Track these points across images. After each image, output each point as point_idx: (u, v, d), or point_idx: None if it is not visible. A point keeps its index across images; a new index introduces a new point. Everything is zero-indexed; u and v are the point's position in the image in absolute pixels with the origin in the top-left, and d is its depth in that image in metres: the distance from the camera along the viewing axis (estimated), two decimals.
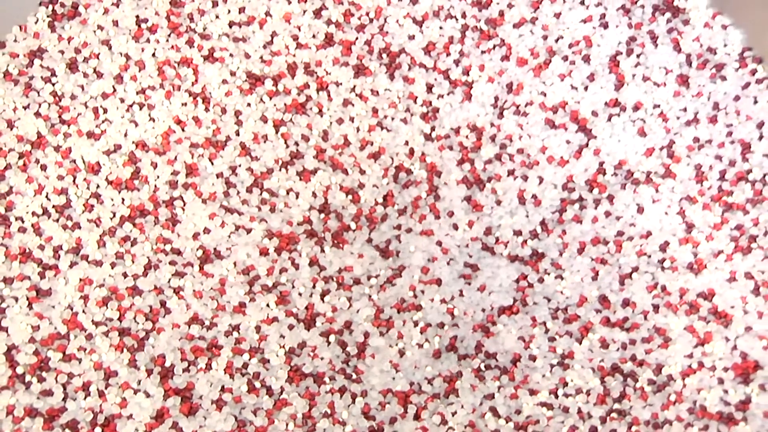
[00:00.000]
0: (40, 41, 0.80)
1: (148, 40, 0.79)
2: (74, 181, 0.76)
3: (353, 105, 0.77)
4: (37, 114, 0.78)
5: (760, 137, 0.77)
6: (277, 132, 0.76)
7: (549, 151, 0.76)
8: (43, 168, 0.76)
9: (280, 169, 0.76)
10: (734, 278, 0.73)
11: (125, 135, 0.77)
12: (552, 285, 0.72)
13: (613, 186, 0.75)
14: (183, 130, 0.77)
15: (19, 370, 0.70)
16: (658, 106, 0.78)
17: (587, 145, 0.76)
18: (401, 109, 0.77)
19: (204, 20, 0.80)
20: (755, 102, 0.78)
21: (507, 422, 0.68)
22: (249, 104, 0.77)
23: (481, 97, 0.77)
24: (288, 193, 0.75)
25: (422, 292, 0.72)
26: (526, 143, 0.76)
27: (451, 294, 0.72)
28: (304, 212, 0.74)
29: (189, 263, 0.73)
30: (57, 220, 0.75)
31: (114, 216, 0.75)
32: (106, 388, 0.70)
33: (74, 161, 0.76)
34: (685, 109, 0.78)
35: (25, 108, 0.78)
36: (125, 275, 0.73)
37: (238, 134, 0.76)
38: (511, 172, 0.75)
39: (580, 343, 0.70)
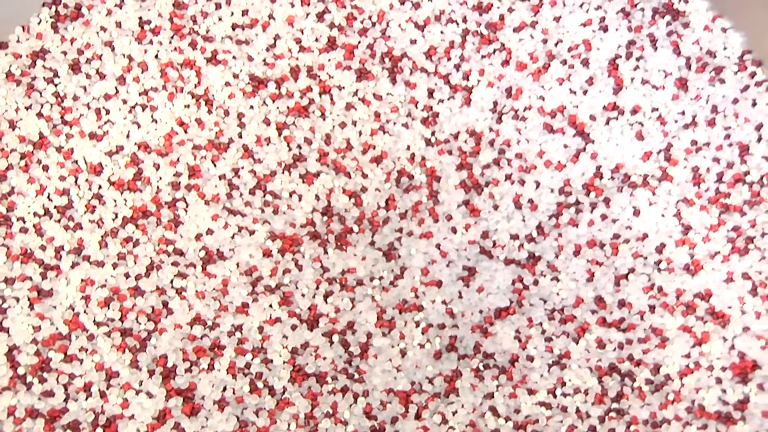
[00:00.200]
0: (42, 42, 0.80)
1: (150, 42, 0.80)
2: (76, 181, 0.76)
3: (356, 109, 0.77)
4: (40, 115, 0.78)
5: (759, 139, 0.78)
6: (279, 135, 0.77)
7: (546, 156, 0.77)
8: (45, 168, 0.76)
9: (283, 172, 0.76)
10: (731, 279, 0.73)
11: (127, 136, 0.77)
12: (548, 286, 0.73)
13: (609, 189, 0.76)
14: (185, 131, 0.77)
15: (21, 370, 0.70)
16: (657, 109, 0.79)
17: (584, 149, 0.77)
18: (402, 113, 0.77)
19: (207, 22, 0.80)
20: (754, 105, 0.79)
21: (506, 421, 0.68)
22: (252, 107, 0.78)
23: (480, 102, 0.78)
24: (291, 196, 0.75)
25: (423, 293, 0.72)
26: (524, 148, 0.77)
27: (450, 295, 0.72)
28: (307, 214, 0.75)
29: (192, 264, 0.73)
30: (59, 221, 0.75)
31: (116, 217, 0.75)
32: (107, 388, 0.70)
33: (76, 162, 0.76)
34: (683, 113, 0.78)
35: (27, 108, 0.78)
36: (127, 276, 0.73)
37: (240, 136, 0.77)
38: (508, 177, 0.76)
39: (577, 343, 0.71)
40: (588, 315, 0.72)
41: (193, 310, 0.72)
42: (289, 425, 0.69)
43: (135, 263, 0.73)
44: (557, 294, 0.72)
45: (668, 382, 0.70)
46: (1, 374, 0.70)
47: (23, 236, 0.74)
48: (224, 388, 0.70)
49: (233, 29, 0.80)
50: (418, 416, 0.69)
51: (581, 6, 0.81)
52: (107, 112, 0.78)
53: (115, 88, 0.78)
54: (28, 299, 0.72)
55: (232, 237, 0.74)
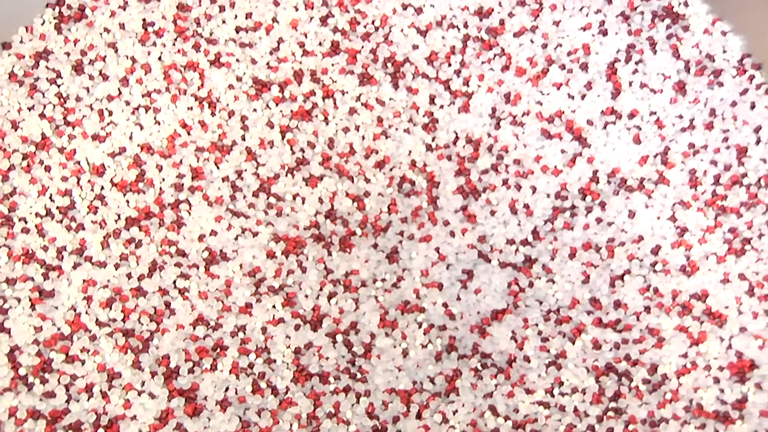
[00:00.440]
0: (46, 43, 0.80)
1: (154, 44, 0.80)
2: (78, 182, 0.76)
3: (358, 113, 0.78)
4: (42, 115, 0.78)
5: (758, 141, 0.79)
6: (283, 138, 0.77)
7: (543, 161, 0.77)
8: (47, 169, 0.76)
9: (286, 175, 0.76)
10: (728, 279, 0.74)
11: (130, 138, 0.77)
12: (543, 288, 0.73)
13: (605, 193, 0.77)
14: (189, 133, 0.77)
15: (22, 371, 0.70)
16: (655, 113, 0.79)
17: (581, 153, 0.78)
18: (404, 119, 0.78)
19: (211, 25, 0.80)
20: (752, 107, 0.80)
21: (506, 421, 0.69)
22: (255, 110, 0.78)
23: (479, 107, 0.78)
24: (294, 199, 0.76)
25: (425, 295, 0.73)
26: (521, 153, 0.78)
27: (450, 297, 0.73)
28: (310, 217, 0.75)
29: (194, 265, 0.74)
30: (60, 221, 0.75)
31: (119, 218, 0.75)
32: (109, 389, 0.70)
33: (78, 163, 0.76)
34: (680, 116, 0.79)
35: (29, 109, 0.78)
36: (129, 276, 0.73)
37: (244, 139, 0.77)
38: (505, 182, 0.76)
39: (573, 344, 0.72)
40: (584, 316, 0.72)
41: (195, 311, 0.72)
42: (291, 425, 0.69)
43: (137, 264, 0.73)
44: (553, 295, 0.73)
45: (665, 382, 0.71)
46: (2, 375, 0.70)
47: (25, 237, 0.74)
48: (226, 389, 0.70)
49: (237, 32, 0.80)
50: (419, 416, 0.69)
51: (581, 10, 0.82)
52: (110, 113, 0.78)
53: (118, 89, 0.78)
54: (30, 300, 0.72)
55: (236, 238, 0.74)
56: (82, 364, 0.71)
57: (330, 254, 0.74)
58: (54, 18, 0.81)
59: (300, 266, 0.73)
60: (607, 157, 0.77)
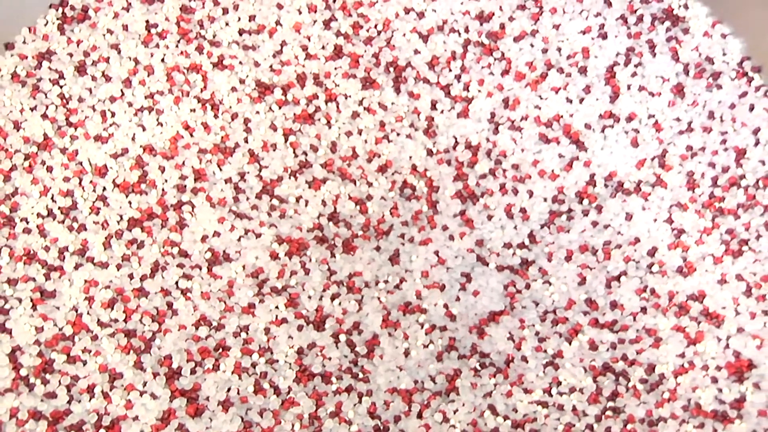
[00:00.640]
0: (49, 43, 0.80)
1: (157, 46, 0.80)
2: (80, 183, 0.76)
3: (361, 117, 0.78)
4: (44, 116, 0.78)
5: (756, 143, 0.79)
6: (286, 141, 0.78)
7: (541, 165, 0.78)
8: (49, 170, 0.76)
9: (289, 177, 0.77)
10: (725, 280, 0.75)
11: (133, 139, 0.77)
12: (540, 290, 0.74)
13: (602, 197, 0.77)
14: (191, 135, 0.78)
15: (23, 372, 0.70)
16: (653, 116, 0.80)
17: (578, 157, 0.78)
18: (406, 123, 0.78)
19: (214, 27, 0.81)
20: (751, 109, 0.80)
21: (505, 420, 0.70)
22: (258, 112, 0.78)
23: (478, 112, 0.79)
24: (297, 201, 0.76)
25: (426, 296, 0.73)
26: (519, 158, 0.78)
27: (450, 299, 0.73)
28: (313, 219, 0.76)
29: (197, 266, 0.74)
30: (62, 222, 0.75)
31: (121, 219, 0.75)
32: (111, 390, 0.70)
33: (80, 164, 0.77)
34: (678, 119, 0.80)
35: (32, 110, 0.78)
36: (131, 277, 0.73)
37: (246, 141, 0.77)
38: (502, 186, 0.77)
39: (570, 344, 0.72)
40: (580, 316, 0.73)
41: (198, 311, 0.72)
42: (293, 425, 0.69)
43: (139, 265, 0.74)
44: (549, 296, 0.74)
45: (663, 382, 0.71)
46: (3, 376, 0.70)
47: (26, 237, 0.74)
48: (228, 389, 0.70)
49: (240, 34, 0.81)
50: (419, 415, 0.70)
51: (581, 13, 0.83)
52: (113, 114, 0.78)
53: (121, 90, 0.79)
54: (31, 300, 0.72)
55: (239, 239, 0.75)
56: (84, 364, 0.71)
57: (333, 256, 0.74)
58: (57, 19, 0.81)
59: (303, 267, 0.74)
60: (605, 161, 0.78)
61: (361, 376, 0.71)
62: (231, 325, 0.72)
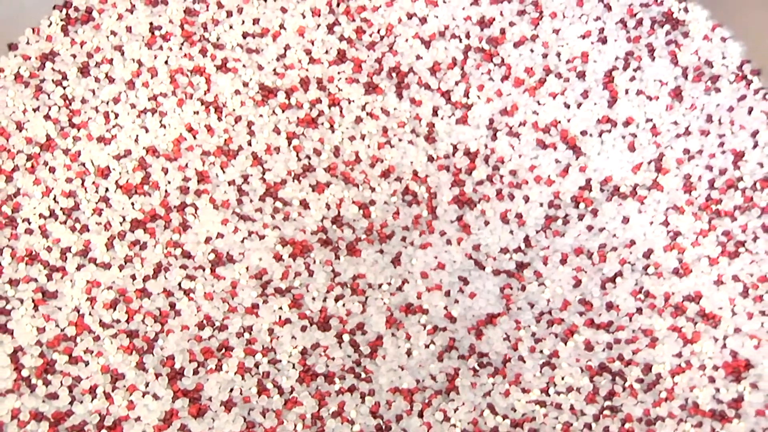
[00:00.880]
0: (52, 44, 0.80)
1: (161, 48, 0.81)
2: (83, 184, 0.76)
3: (364, 123, 0.79)
4: (47, 117, 0.78)
5: (755, 145, 0.79)
6: (289, 144, 0.78)
7: (538, 170, 0.78)
8: (52, 170, 0.76)
9: (293, 180, 0.77)
10: (721, 281, 0.75)
11: (136, 140, 0.78)
12: (536, 292, 0.74)
13: (598, 201, 0.78)
14: (194, 137, 0.78)
15: (25, 372, 0.70)
16: (651, 120, 0.80)
17: (575, 162, 0.79)
18: (407, 129, 0.79)
19: (218, 30, 0.81)
20: (749, 112, 0.80)
21: (504, 419, 0.70)
22: (261, 115, 0.79)
23: (477, 118, 0.79)
24: (301, 204, 0.76)
25: (427, 298, 0.74)
26: (516, 163, 0.78)
27: (449, 301, 0.74)
28: (317, 222, 0.76)
29: (200, 266, 0.74)
30: (64, 223, 0.75)
31: (124, 220, 0.75)
32: (113, 390, 0.70)
33: (83, 165, 0.77)
34: (676, 123, 0.79)
35: (34, 110, 0.78)
36: (134, 278, 0.73)
37: (250, 144, 0.78)
38: (498, 192, 0.77)
39: (566, 344, 0.73)
40: (576, 317, 0.74)
41: (201, 312, 0.73)
42: (295, 426, 0.70)
43: (142, 266, 0.74)
44: (545, 298, 0.74)
45: (660, 381, 0.72)
46: (5, 376, 0.70)
47: (28, 237, 0.74)
48: (231, 389, 0.70)
49: (244, 38, 0.81)
50: (420, 414, 0.71)
51: (580, 17, 0.83)
52: (116, 116, 0.78)
53: (124, 92, 0.79)
54: (33, 301, 0.72)
55: (242, 241, 0.75)
56: (86, 365, 0.71)
57: (338, 258, 0.75)
58: (61, 20, 0.81)
59: (307, 269, 0.74)
60: (601, 165, 0.78)
61: (363, 376, 0.71)
62: (234, 326, 0.72)
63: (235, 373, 0.71)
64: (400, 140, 0.79)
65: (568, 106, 0.80)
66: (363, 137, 0.78)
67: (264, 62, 0.80)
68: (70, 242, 0.74)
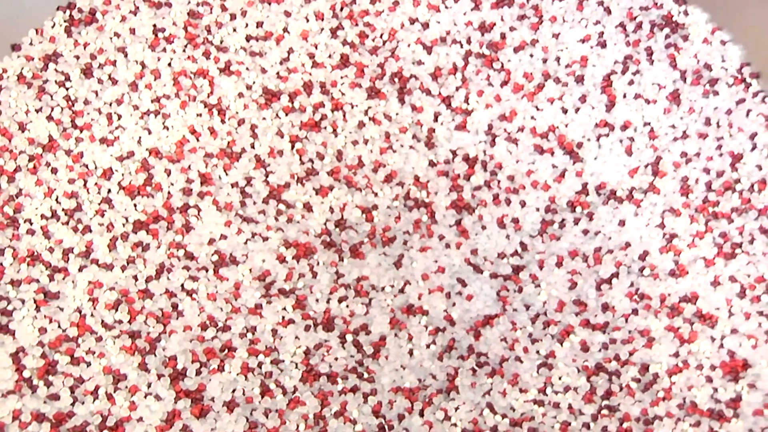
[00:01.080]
0: (55, 45, 0.80)
1: (164, 50, 0.81)
2: (85, 185, 0.76)
3: (367, 127, 0.79)
4: (50, 118, 0.78)
5: (753, 147, 0.79)
6: (292, 148, 0.78)
7: (535, 176, 0.79)
8: (54, 171, 0.76)
9: (296, 183, 0.77)
10: (718, 282, 0.75)
11: (139, 142, 0.78)
12: (532, 294, 0.75)
13: (594, 204, 0.78)
14: (197, 140, 0.78)
15: (26, 373, 0.70)
16: (648, 123, 0.80)
17: (572, 167, 0.79)
18: (409, 135, 0.79)
19: (221, 33, 0.81)
20: (747, 114, 0.80)
21: (503, 418, 0.71)
22: (264, 118, 0.79)
23: (477, 124, 0.80)
24: (305, 207, 0.77)
25: (427, 300, 0.75)
26: (514, 168, 0.79)
27: (448, 303, 0.75)
28: (321, 225, 0.76)
29: (203, 268, 0.74)
30: (66, 223, 0.75)
31: (126, 221, 0.75)
32: (115, 391, 0.70)
33: (86, 166, 0.77)
34: (673, 126, 0.79)
35: (37, 111, 0.78)
36: (136, 278, 0.73)
37: (253, 147, 0.78)
38: (495, 197, 0.78)
39: (562, 345, 0.73)
40: (572, 318, 0.74)
41: (204, 312, 0.73)
42: (298, 426, 0.70)
43: (145, 266, 0.74)
44: (540, 300, 0.75)
45: (657, 381, 0.72)
46: (6, 377, 0.70)
47: (30, 238, 0.74)
48: (234, 390, 0.71)
49: (247, 41, 0.81)
50: (421, 413, 0.71)
51: (580, 22, 0.83)
52: (119, 117, 0.78)
53: (127, 94, 0.79)
54: (35, 301, 0.72)
55: (245, 243, 0.75)
56: (88, 366, 0.71)
57: (341, 260, 0.75)
58: (64, 21, 0.81)
59: (311, 270, 0.75)
60: (597, 170, 0.79)
61: (366, 376, 0.72)
62: (237, 326, 0.73)
63: (237, 374, 0.71)
64: (402, 145, 0.79)
65: (565, 111, 0.80)
66: (366, 142, 0.79)
67: (267, 65, 0.81)
68: (73, 243, 0.74)
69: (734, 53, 0.82)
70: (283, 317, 0.73)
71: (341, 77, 0.80)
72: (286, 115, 0.79)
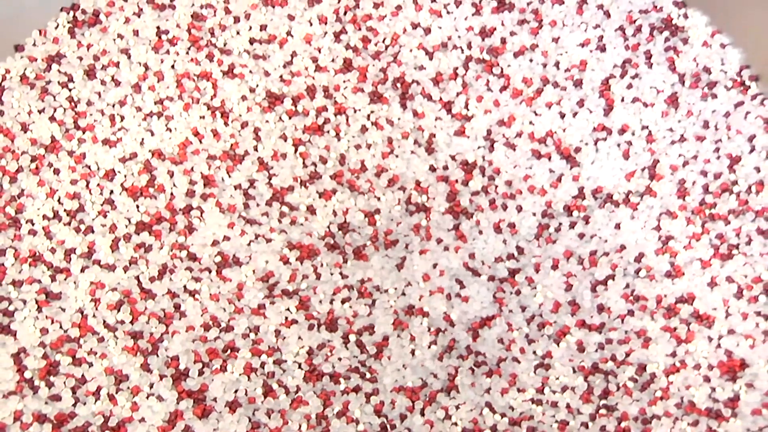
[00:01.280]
0: (59, 46, 0.80)
1: (167, 52, 0.81)
2: (87, 186, 0.76)
3: (369, 132, 0.80)
4: (52, 118, 0.78)
5: (752, 150, 0.79)
6: (296, 151, 0.79)
7: (532, 180, 0.79)
8: (56, 172, 0.76)
9: (300, 186, 0.78)
10: (715, 283, 0.75)
11: (141, 143, 0.78)
12: (528, 296, 0.76)
13: (591, 208, 0.78)
14: (200, 142, 0.78)
15: (28, 374, 0.70)
16: (646, 127, 0.80)
17: (569, 171, 0.79)
18: (411, 140, 0.80)
19: (225, 35, 0.82)
20: (746, 117, 0.80)
21: (502, 417, 0.72)
22: (267, 121, 0.79)
23: (476, 130, 0.80)
24: (308, 209, 0.77)
25: (428, 301, 0.75)
26: (511, 173, 0.79)
27: (448, 305, 0.75)
28: (324, 227, 0.77)
29: (206, 268, 0.75)
30: (68, 224, 0.75)
31: (129, 222, 0.75)
32: (116, 392, 0.70)
33: (88, 167, 0.77)
34: (671, 129, 0.80)
35: (40, 112, 0.78)
36: (139, 279, 0.74)
37: (256, 149, 0.78)
38: (492, 202, 0.78)
39: (558, 345, 0.74)
40: (567, 318, 0.75)
41: (207, 313, 0.73)
42: (300, 426, 0.70)
43: (147, 267, 0.74)
44: (536, 302, 0.75)
45: (654, 380, 0.73)
46: (7, 378, 0.70)
47: (32, 239, 0.74)
48: (236, 390, 0.71)
49: (251, 44, 0.82)
50: (423, 412, 0.72)
51: (580, 25, 0.83)
52: (121, 118, 0.79)
53: (131, 95, 0.79)
54: (36, 302, 0.72)
55: (248, 244, 0.76)
56: (90, 366, 0.71)
57: (345, 262, 0.76)
58: (68, 22, 0.81)
59: (315, 272, 0.75)
60: (594, 174, 0.79)
61: (368, 375, 0.72)
62: (240, 327, 0.73)
63: (240, 374, 0.71)
64: (404, 150, 0.79)
65: (563, 116, 0.81)
66: (369, 146, 0.79)
67: (271, 69, 0.81)
68: (75, 244, 0.74)
69: (734, 56, 0.82)
70: (287, 318, 0.74)
71: (344, 81, 0.81)
72: (290, 118, 0.80)
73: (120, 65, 0.80)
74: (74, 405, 0.70)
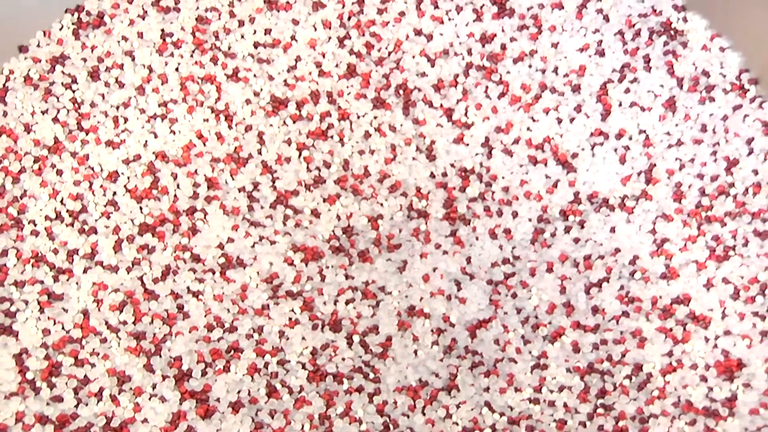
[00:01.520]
0: (63, 48, 0.80)
1: (172, 55, 0.81)
2: (90, 187, 0.76)
3: (372, 138, 0.80)
4: (55, 120, 0.78)
5: (750, 152, 0.79)
6: (299, 155, 0.79)
7: (528, 186, 0.79)
8: (59, 173, 0.76)
9: (304, 190, 0.78)
10: (711, 284, 0.76)
11: (145, 145, 0.78)
12: (523, 298, 0.76)
13: (586, 212, 0.79)
14: (204, 144, 0.79)
15: (29, 375, 0.70)
16: (644, 131, 0.80)
17: (566, 176, 0.80)
18: (413, 147, 0.80)
19: (229, 39, 0.82)
20: (744, 120, 0.80)
21: (501, 417, 0.73)
22: (271, 125, 0.80)
23: (475, 136, 0.80)
24: (312, 213, 0.77)
25: (428, 302, 0.76)
26: (508, 180, 0.79)
27: (447, 306, 0.76)
28: (329, 231, 0.77)
29: (210, 270, 0.75)
30: (71, 225, 0.75)
31: (132, 224, 0.76)
32: (119, 393, 0.70)
33: (91, 168, 0.77)
34: (668, 133, 0.80)
35: (43, 113, 0.78)
36: (142, 280, 0.74)
37: (260, 153, 0.79)
38: (487, 209, 0.79)
39: (553, 345, 0.75)
40: (563, 319, 0.76)
41: (210, 314, 0.73)
42: (303, 426, 0.71)
43: (150, 268, 0.74)
44: (531, 304, 0.76)
45: (651, 380, 0.73)
46: (9, 379, 0.70)
47: (34, 239, 0.74)
48: (239, 390, 0.71)
49: (255, 47, 0.82)
50: (423, 411, 0.73)
51: (579, 30, 0.83)
52: (125, 120, 0.79)
53: (134, 97, 0.79)
54: (38, 303, 0.72)
55: (253, 246, 0.76)
56: (92, 367, 0.71)
57: (351, 264, 0.76)
58: (72, 24, 0.81)
59: (320, 273, 0.76)
60: (590, 179, 0.79)
61: (371, 375, 0.73)
62: (244, 327, 0.73)
63: (243, 374, 0.72)
64: (406, 157, 0.80)
65: (560, 122, 0.81)
66: (372, 152, 0.79)
67: (275, 73, 0.81)
68: (77, 245, 0.74)
69: (733, 60, 0.82)
70: (290, 318, 0.74)
71: (347, 87, 0.82)
72: (294, 122, 0.80)
73: (124, 67, 0.80)
74: (76, 406, 0.70)
